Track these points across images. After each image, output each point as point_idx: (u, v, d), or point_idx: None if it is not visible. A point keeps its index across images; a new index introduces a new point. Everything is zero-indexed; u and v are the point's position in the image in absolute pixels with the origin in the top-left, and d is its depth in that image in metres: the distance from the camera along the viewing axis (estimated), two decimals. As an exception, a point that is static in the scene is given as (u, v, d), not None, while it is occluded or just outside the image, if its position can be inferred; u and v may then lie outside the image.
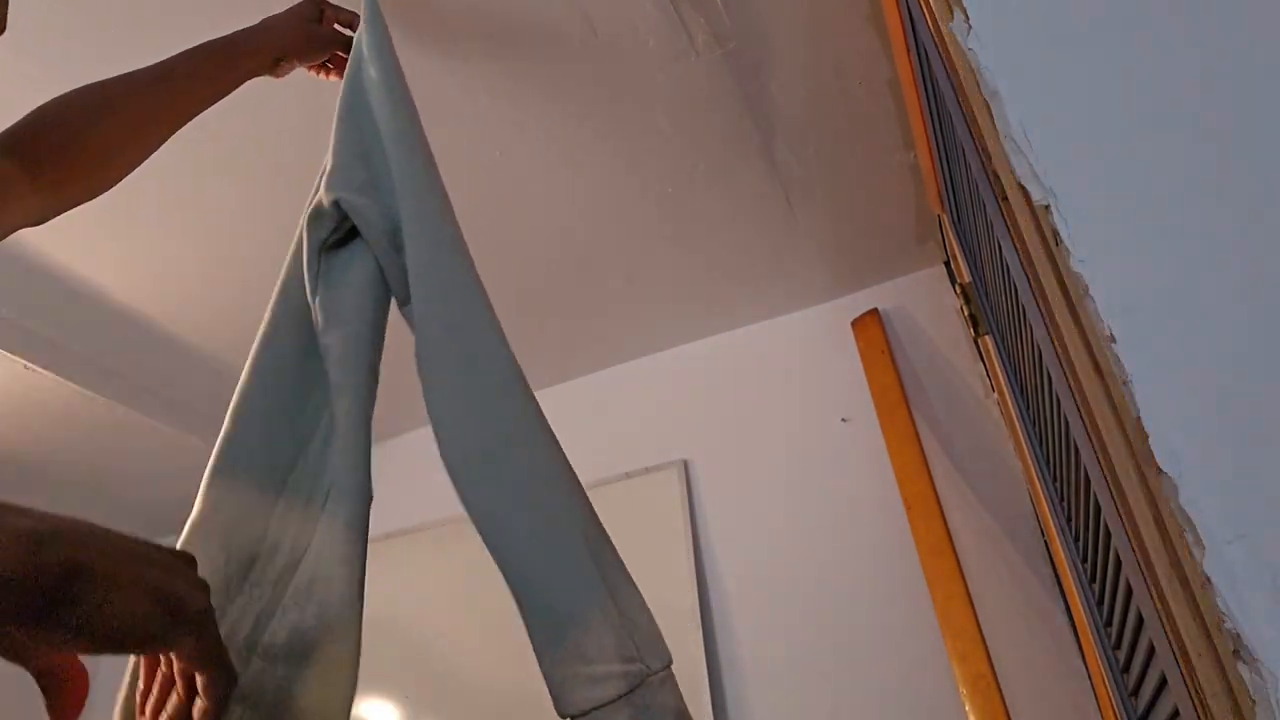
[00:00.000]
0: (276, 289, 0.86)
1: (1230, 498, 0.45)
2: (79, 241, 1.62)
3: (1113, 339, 0.51)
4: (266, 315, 0.84)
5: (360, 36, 1.05)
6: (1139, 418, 0.48)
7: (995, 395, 1.77)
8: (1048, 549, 1.64)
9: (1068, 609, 1.59)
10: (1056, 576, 1.62)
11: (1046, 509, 1.35)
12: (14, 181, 0.75)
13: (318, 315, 0.80)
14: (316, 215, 0.86)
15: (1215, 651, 0.47)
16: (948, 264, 1.97)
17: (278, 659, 0.61)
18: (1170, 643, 0.58)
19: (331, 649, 0.60)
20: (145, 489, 2.37)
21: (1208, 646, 0.49)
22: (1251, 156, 0.52)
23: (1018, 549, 1.68)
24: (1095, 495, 0.74)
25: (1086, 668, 1.53)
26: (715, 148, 1.61)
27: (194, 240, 1.64)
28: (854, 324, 1.99)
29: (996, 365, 1.46)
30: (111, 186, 0.88)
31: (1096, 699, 1.50)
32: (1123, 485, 0.56)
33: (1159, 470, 0.47)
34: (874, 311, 1.98)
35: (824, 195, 1.77)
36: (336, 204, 0.84)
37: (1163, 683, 0.74)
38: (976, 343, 1.82)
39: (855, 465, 1.86)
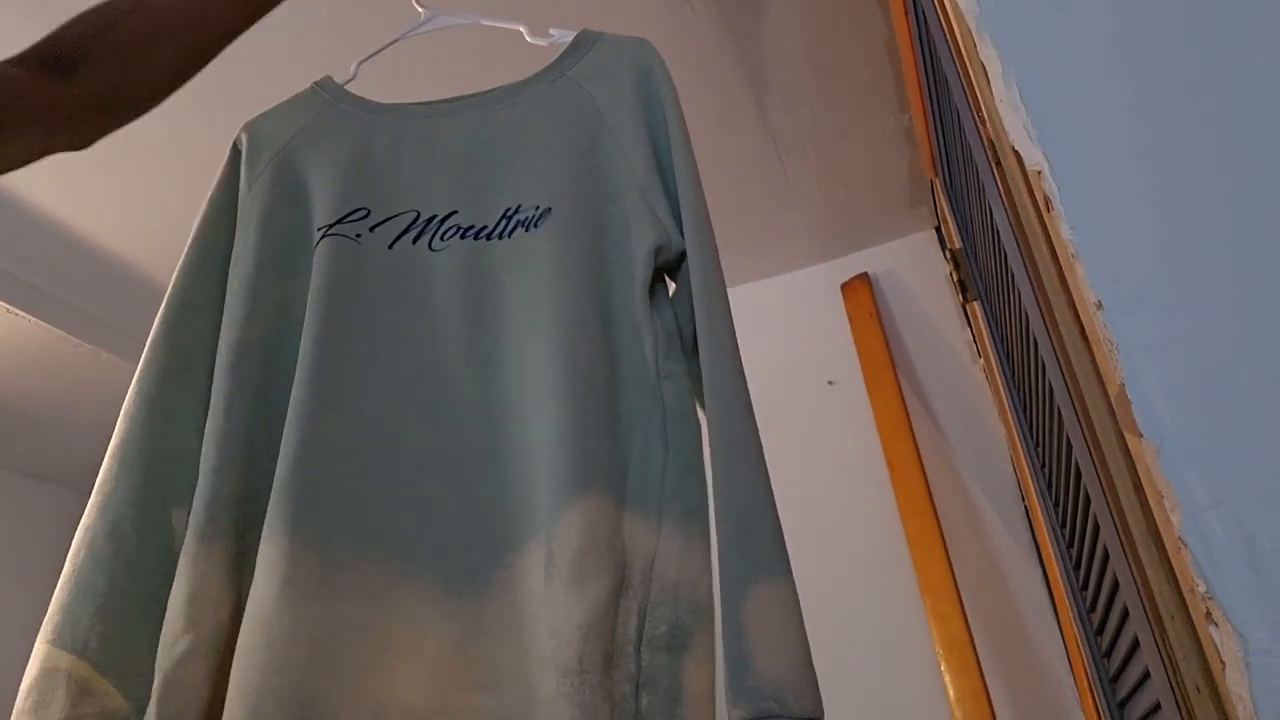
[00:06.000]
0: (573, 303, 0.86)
1: (1210, 465, 0.46)
2: (63, 184, 1.60)
3: (1100, 306, 0.51)
4: (562, 358, 0.83)
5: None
6: (1123, 384, 0.49)
7: (981, 361, 1.78)
8: (1027, 514, 1.66)
9: (1044, 573, 1.61)
10: (1035, 541, 1.64)
11: (1027, 474, 1.36)
12: (43, 92, 0.71)
13: (653, 340, 0.83)
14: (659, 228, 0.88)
15: (1188, 614, 0.48)
16: (938, 229, 1.97)
17: (660, 649, 0.72)
18: (1144, 605, 0.59)
19: (704, 638, 0.72)
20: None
21: (1180, 609, 0.50)
22: (1249, 128, 0.52)
23: (998, 513, 1.71)
24: (1076, 461, 0.75)
25: (1061, 631, 1.56)
26: (709, 105, 1.60)
27: (181, 184, 1.63)
28: (843, 287, 1.99)
29: (983, 331, 1.46)
30: (156, 95, 0.82)
31: (1070, 662, 1.53)
32: (1103, 450, 0.57)
33: (1140, 436, 0.48)
34: (863, 275, 1.98)
35: (817, 156, 1.76)
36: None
37: (1135, 645, 0.76)
38: (964, 308, 1.82)
39: (840, 428, 1.87)
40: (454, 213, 0.92)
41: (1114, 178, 0.54)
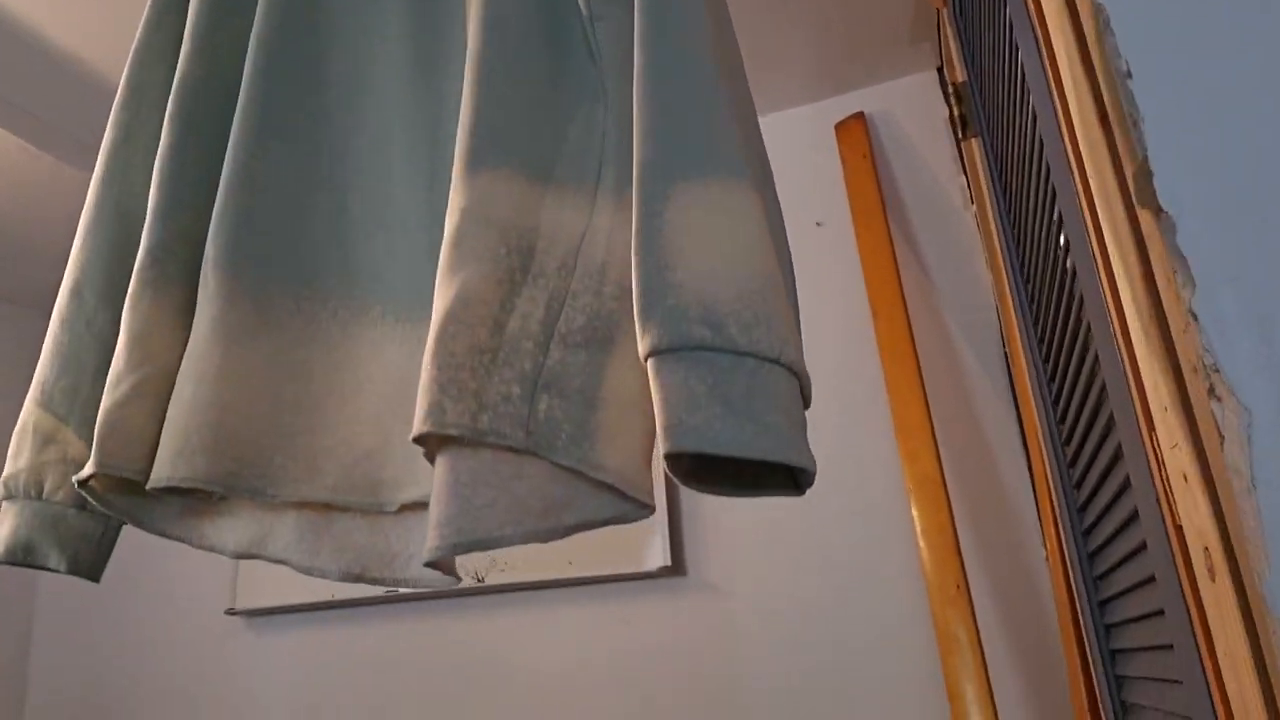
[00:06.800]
0: None
1: (1229, 240, 0.44)
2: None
3: (1129, 75, 0.48)
4: (479, 16, 0.70)
5: None
6: (1145, 157, 0.46)
7: (974, 208, 1.75)
8: (1007, 361, 1.67)
9: (1019, 418, 1.63)
10: (1012, 388, 1.65)
11: (1012, 318, 1.36)
12: None
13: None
14: None
15: (1185, 397, 0.47)
16: (940, 70, 1.90)
17: (578, 345, 0.60)
18: (1135, 404, 0.59)
19: (634, 333, 0.57)
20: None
21: (1176, 397, 0.49)
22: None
23: (978, 360, 1.71)
24: (1072, 266, 0.73)
25: (1030, 473, 1.59)
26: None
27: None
28: (837, 127, 1.93)
29: (980, 170, 1.43)
30: None
31: (1036, 501, 1.57)
32: (1105, 236, 0.55)
33: (1160, 210, 0.45)
34: (859, 115, 1.92)
35: (820, -18, 1.67)
36: None
37: (1115, 459, 0.76)
38: (960, 151, 1.78)
39: (826, 269, 1.85)
40: None
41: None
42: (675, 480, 0.56)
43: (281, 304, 0.75)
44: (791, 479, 0.54)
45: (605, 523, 0.59)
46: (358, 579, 0.73)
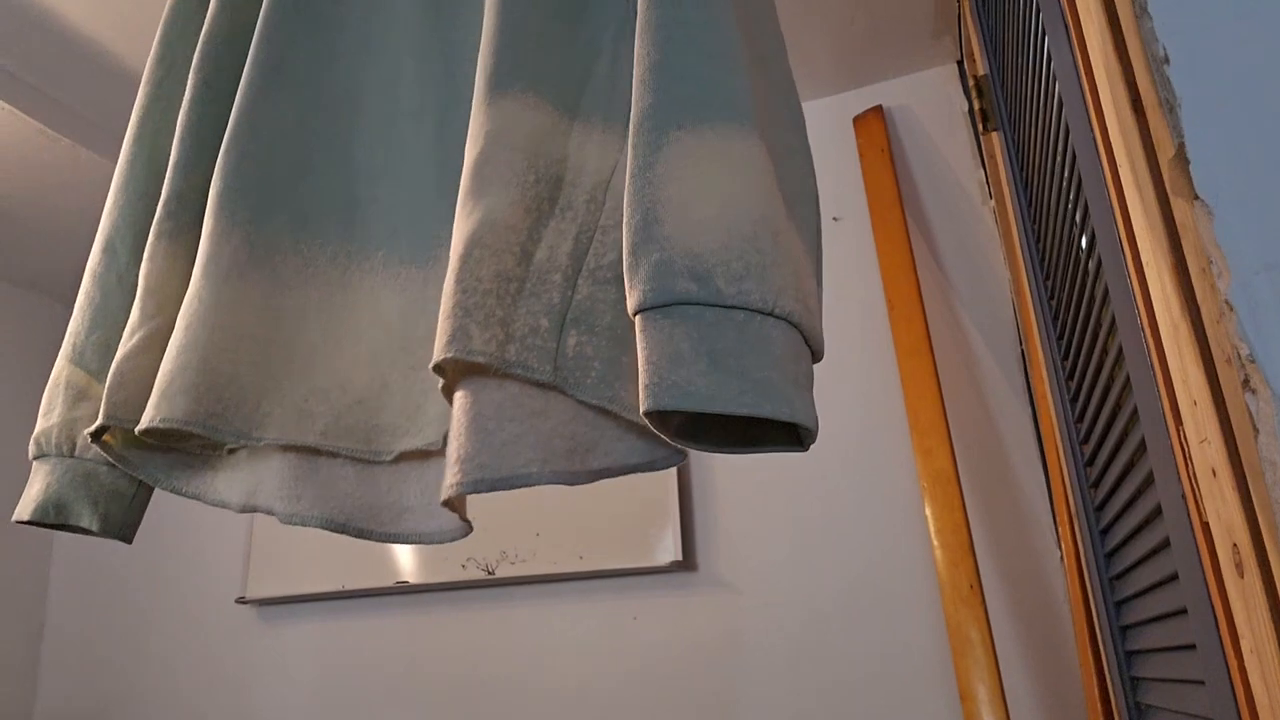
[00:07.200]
0: None
1: (1265, 228, 0.43)
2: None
3: (1166, 60, 0.47)
4: None
5: None
6: (1182, 143, 0.45)
7: (992, 203, 1.73)
8: (1023, 358, 1.66)
9: (1034, 416, 1.62)
10: (1028, 385, 1.64)
11: (1030, 315, 1.34)
12: None
13: None
14: None
15: (1218, 389, 0.46)
16: (960, 64, 1.88)
17: (607, 281, 0.58)
18: (1163, 400, 0.58)
19: None
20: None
21: (1207, 390, 0.48)
22: None
23: (995, 356, 1.70)
24: (1099, 259, 0.72)
25: (1045, 473, 1.58)
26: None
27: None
28: (856, 120, 1.92)
29: (1000, 164, 1.41)
30: None
31: (1051, 501, 1.56)
32: (1135, 225, 0.54)
33: (1196, 199, 0.44)
34: (878, 109, 1.90)
35: (841, -26, 1.66)
36: None
37: (1138, 453, 0.75)
38: (980, 146, 1.76)
39: (843, 264, 1.84)
40: None
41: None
42: (663, 437, 0.54)
43: (277, 245, 0.73)
44: (795, 435, 0.52)
45: (633, 469, 0.58)
46: (340, 529, 0.71)
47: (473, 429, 0.54)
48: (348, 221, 0.75)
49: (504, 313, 0.55)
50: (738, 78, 0.53)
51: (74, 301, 2.77)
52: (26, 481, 2.40)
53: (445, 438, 0.67)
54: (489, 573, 1.90)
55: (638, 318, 0.50)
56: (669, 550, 1.76)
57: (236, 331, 0.69)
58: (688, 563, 1.79)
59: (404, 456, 0.71)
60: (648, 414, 0.48)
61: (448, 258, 0.70)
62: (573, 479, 0.56)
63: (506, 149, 0.59)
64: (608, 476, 0.57)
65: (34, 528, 2.41)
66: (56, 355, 2.71)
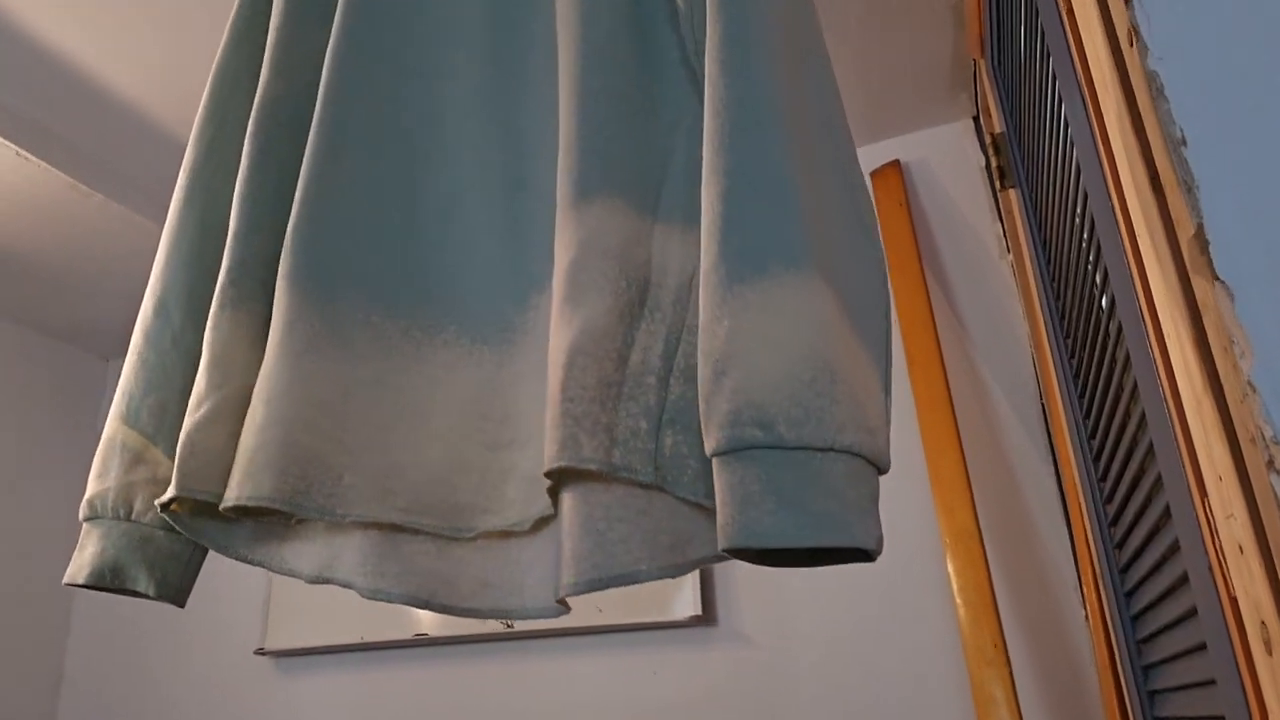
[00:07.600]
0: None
1: (1288, 309, 0.43)
2: (86, 28, 1.55)
3: (1184, 142, 0.47)
4: (575, 43, 0.70)
5: None
6: (1201, 224, 0.46)
7: (1010, 257, 1.74)
8: (1044, 412, 1.65)
9: (1057, 471, 1.61)
10: (1050, 440, 1.63)
11: (1050, 371, 1.34)
12: None
13: (687, 25, 0.70)
14: None
15: (1243, 467, 0.46)
16: (976, 119, 1.90)
17: (696, 379, 0.59)
18: (1186, 472, 0.58)
19: None
20: (131, 286, 2.33)
21: (1232, 466, 0.48)
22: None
23: (1015, 411, 1.69)
24: (1119, 327, 0.72)
25: (1069, 531, 1.56)
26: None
27: (207, 35, 1.57)
28: (873, 174, 1.93)
29: (1018, 220, 1.42)
30: None
31: (1076, 560, 1.54)
32: (1156, 300, 0.54)
33: (1215, 279, 0.45)
34: (895, 163, 1.92)
35: (858, 35, 1.69)
36: None
37: (1162, 519, 0.74)
38: (997, 200, 1.77)
39: (861, 318, 1.84)
40: None
41: (1204, 4, 0.50)
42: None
43: (351, 318, 0.74)
44: (863, 550, 0.55)
45: (727, 557, 0.60)
46: (424, 605, 0.71)
47: (584, 530, 0.58)
48: (418, 294, 0.76)
49: (608, 419, 0.59)
50: (793, 212, 0.56)
51: (108, 353, 2.81)
52: (55, 530, 2.44)
53: (526, 522, 0.69)
54: (508, 626, 1.89)
55: (714, 460, 0.54)
56: (688, 604, 1.75)
57: (316, 406, 0.70)
58: (707, 617, 1.78)
59: (483, 534, 0.72)
60: (723, 550, 0.52)
61: (521, 341, 0.73)
62: (676, 571, 0.59)
63: (599, 256, 0.62)
64: (704, 565, 0.61)
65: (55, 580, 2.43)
66: (86, 403, 2.77)
